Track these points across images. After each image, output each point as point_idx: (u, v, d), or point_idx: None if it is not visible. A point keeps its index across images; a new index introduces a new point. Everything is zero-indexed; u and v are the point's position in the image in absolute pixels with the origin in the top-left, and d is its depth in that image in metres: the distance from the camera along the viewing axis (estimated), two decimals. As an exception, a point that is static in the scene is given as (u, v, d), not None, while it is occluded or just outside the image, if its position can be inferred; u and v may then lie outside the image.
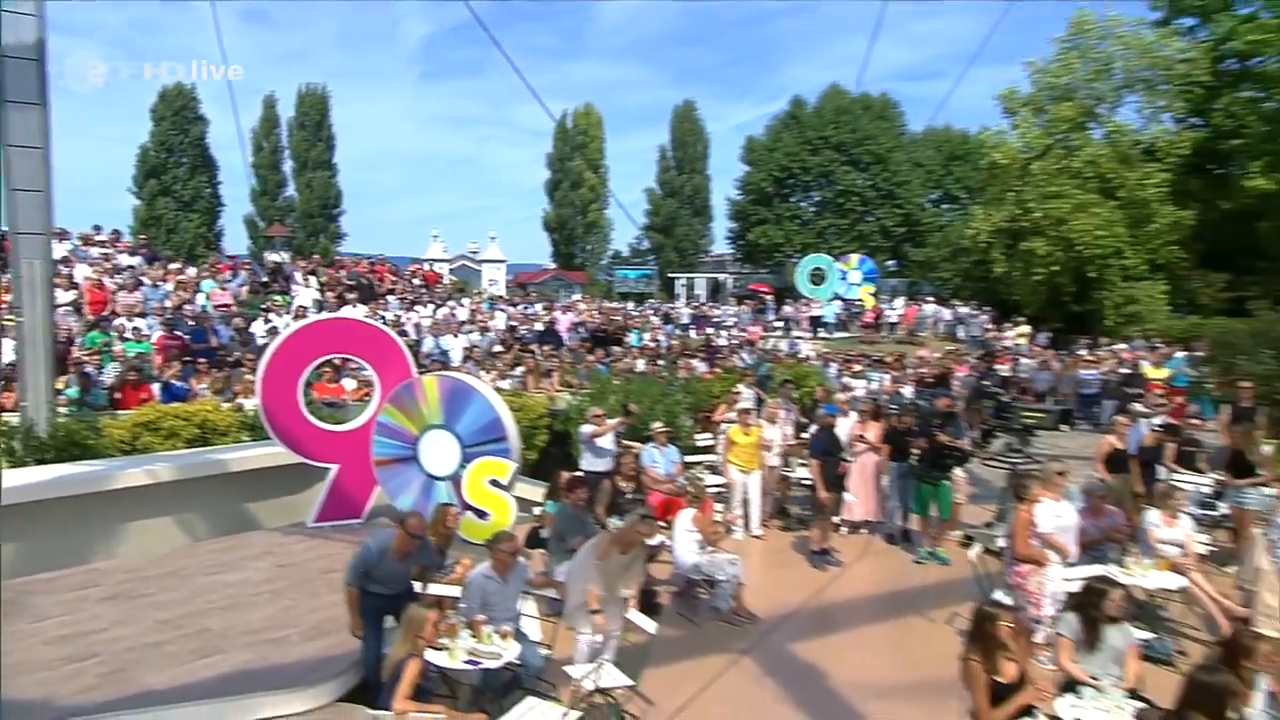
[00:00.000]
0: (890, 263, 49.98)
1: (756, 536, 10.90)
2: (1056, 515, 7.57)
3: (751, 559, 10.43)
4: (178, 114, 43.72)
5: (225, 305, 17.22)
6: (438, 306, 20.76)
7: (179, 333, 14.64)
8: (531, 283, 46.06)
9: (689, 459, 11.89)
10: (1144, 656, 6.64)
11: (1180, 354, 20.06)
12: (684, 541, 8.26)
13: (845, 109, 49.87)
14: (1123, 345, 23.53)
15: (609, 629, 6.49)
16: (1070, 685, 5.64)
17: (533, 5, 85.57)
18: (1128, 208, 29.88)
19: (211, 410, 11.20)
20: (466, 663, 5.75)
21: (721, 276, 53.75)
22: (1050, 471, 7.78)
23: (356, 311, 16.82)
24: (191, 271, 19.69)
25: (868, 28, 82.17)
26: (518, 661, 6.02)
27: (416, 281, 24.13)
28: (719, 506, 9.95)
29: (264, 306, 17.55)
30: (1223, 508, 10.32)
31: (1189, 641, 7.86)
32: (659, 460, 10.56)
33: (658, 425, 10.99)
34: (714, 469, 11.82)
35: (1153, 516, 8.43)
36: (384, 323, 14.17)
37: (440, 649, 5.73)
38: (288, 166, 47.25)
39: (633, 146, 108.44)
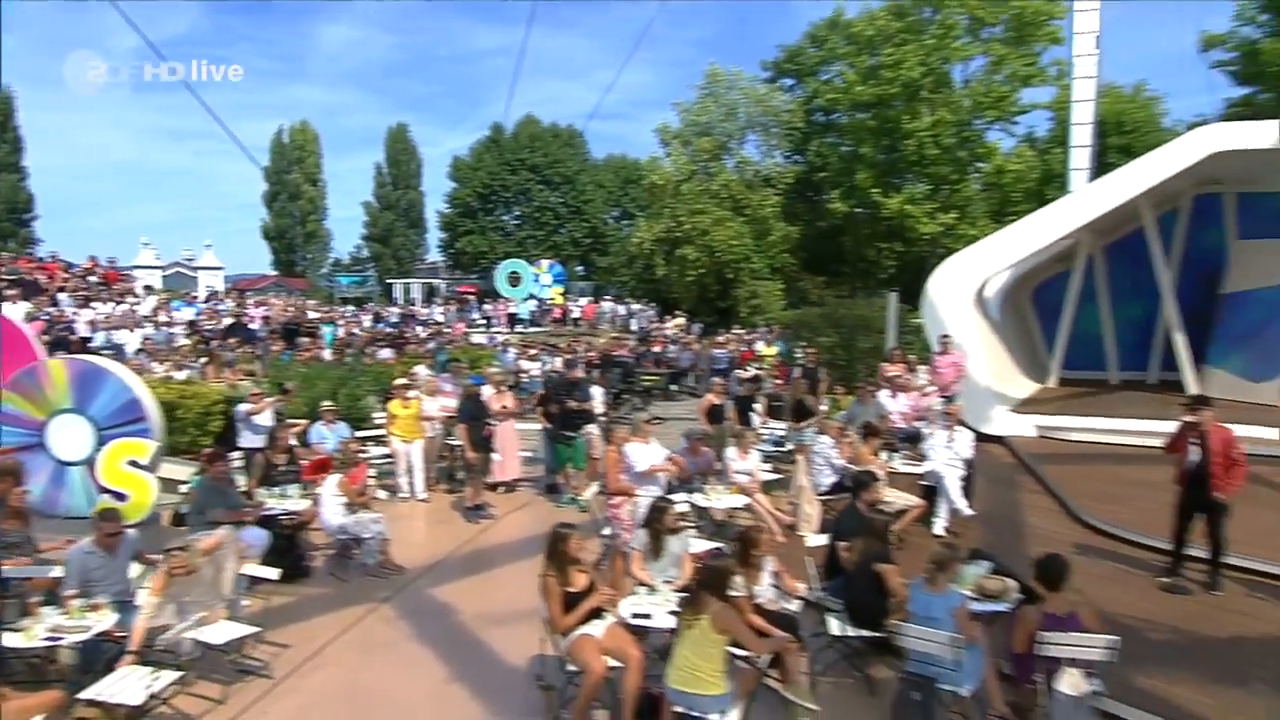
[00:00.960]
0: (579, 268, 51.85)
1: (422, 500, 10.76)
2: (647, 455, 8.29)
3: (415, 520, 10.25)
4: None
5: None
6: (117, 304, 18.56)
7: None
8: (251, 289, 42.71)
9: (378, 434, 11.65)
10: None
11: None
12: (330, 505, 8.01)
13: (538, 136, 50.95)
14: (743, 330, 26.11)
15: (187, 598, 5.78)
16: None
17: (252, 27, 78.68)
18: (753, 223, 32.87)
19: None
20: (46, 639, 5.07)
21: (435, 281, 52.91)
22: (639, 420, 8.47)
23: (16, 308, 14.63)
24: None
25: (565, 70, 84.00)
26: (121, 632, 5.37)
27: (93, 279, 21.22)
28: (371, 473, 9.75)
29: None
30: (790, 445, 11.73)
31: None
32: (327, 436, 10.22)
33: (326, 404, 10.66)
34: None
35: (730, 452, 9.39)
36: (49, 318, 12.46)
37: (16, 630, 5.05)
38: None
39: (354, 165, 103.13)
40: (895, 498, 8.17)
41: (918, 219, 28.78)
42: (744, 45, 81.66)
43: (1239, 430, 11.23)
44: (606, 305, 36.09)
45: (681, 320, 30.62)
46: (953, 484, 8.67)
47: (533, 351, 19.14)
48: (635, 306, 35.69)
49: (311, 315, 22.64)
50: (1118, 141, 27.66)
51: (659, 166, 33.99)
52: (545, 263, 38.60)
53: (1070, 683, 4.80)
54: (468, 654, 6.36)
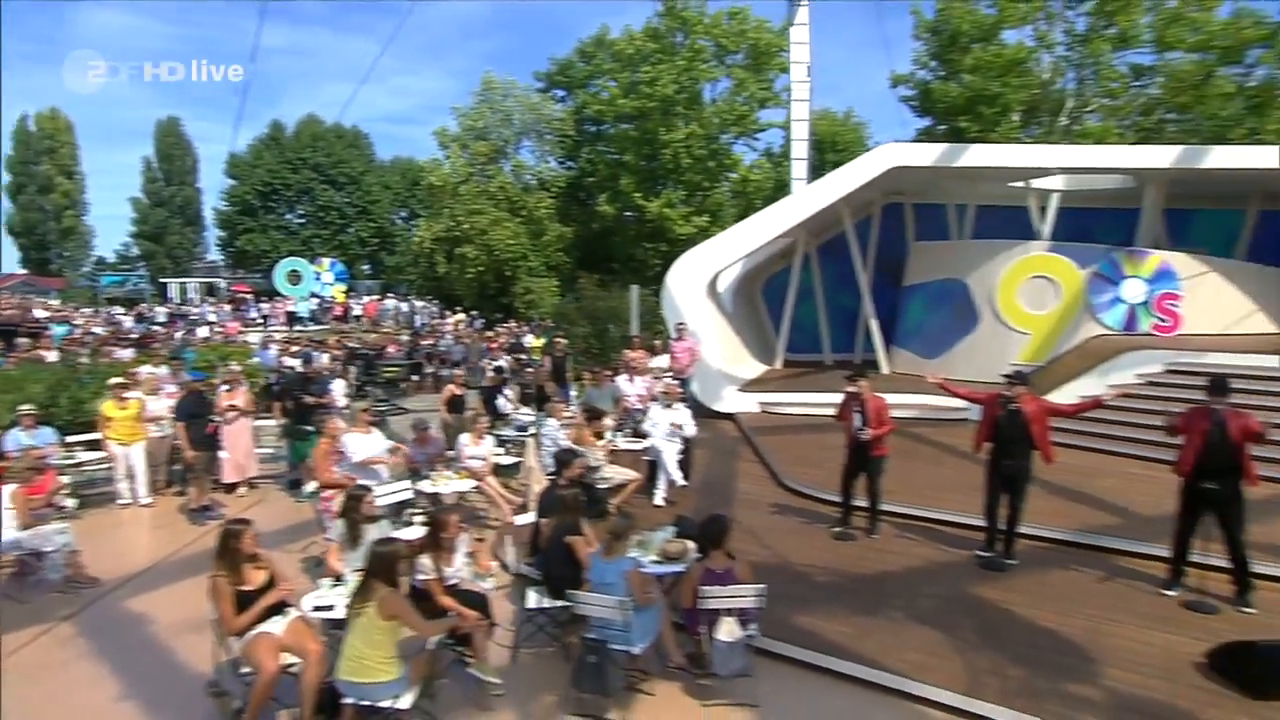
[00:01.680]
0: (366, 267, 49.06)
1: (146, 505, 9.44)
2: (365, 445, 7.72)
3: (131, 527, 8.92)
4: None
5: None
6: None
7: None
8: (-7, 288, 36.45)
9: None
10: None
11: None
12: (4, 518, 6.79)
13: (321, 135, 47.58)
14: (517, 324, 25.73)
15: None
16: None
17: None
18: (529, 224, 32.49)
19: None
20: None
21: (216, 280, 47.93)
22: (357, 410, 7.88)
23: None
24: None
25: (356, 74, 79.01)
26: None
27: None
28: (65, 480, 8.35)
29: None
30: (533, 430, 11.51)
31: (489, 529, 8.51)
32: (25, 441, 8.69)
33: (24, 408, 9.05)
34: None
35: (464, 438, 9.01)
36: None
37: None
38: None
39: (125, 160, 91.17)
40: (614, 473, 8.18)
41: (675, 221, 29.69)
42: (530, 58, 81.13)
43: (916, 399, 12.68)
44: (390, 303, 34.41)
45: (462, 316, 29.74)
46: (670, 458, 8.82)
47: (295, 349, 17.58)
48: (419, 303, 34.33)
49: (39, 314, 19.46)
50: (834, 158, 30.12)
51: (438, 168, 32.64)
52: (326, 261, 36.13)
53: (727, 630, 4.90)
54: (148, 667, 5.53)
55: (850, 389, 7.62)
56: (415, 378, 18.05)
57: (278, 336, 21.36)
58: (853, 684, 5.14)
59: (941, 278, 15.44)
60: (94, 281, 46.77)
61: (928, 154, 14.29)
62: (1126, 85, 26.85)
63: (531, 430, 11.27)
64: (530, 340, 21.50)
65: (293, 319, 31.27)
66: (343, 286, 35.66)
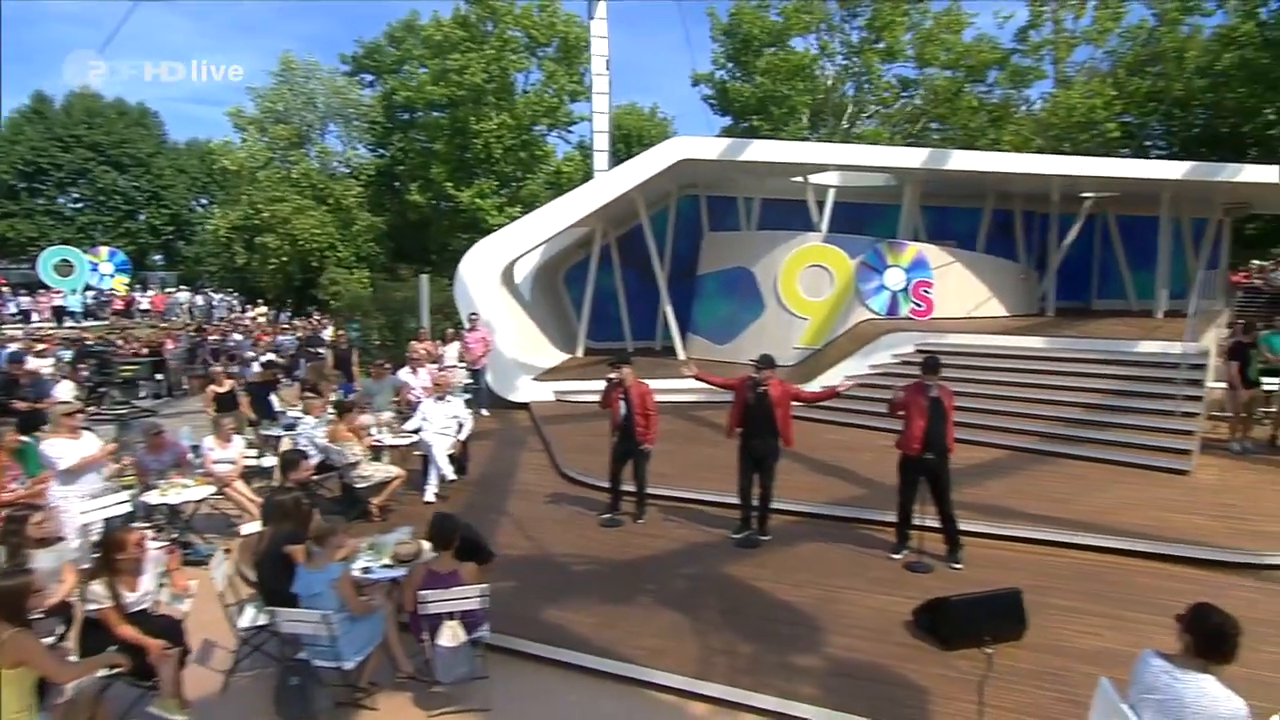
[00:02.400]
0: (158, 257, 43.88)
1: None
2: (73, 450, 6.57)
3: None
4: None
5: None
6: None
7: None
8: None
9: None
10: (186, 560, 6.10)
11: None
12: None
13: (97, 111, 41.75)
14: (319, 316, 23.88)
15: None
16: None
17: None
18: (337, 212, 30.40)
19: None
20: None
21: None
22: (58, 414, 6.70)
23: None
24: None
25: (160, 50, 70.12)
26: None
27: None
28: None
29: None
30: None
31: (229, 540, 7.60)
32: None
33: None
34: None
35: (208, 441, 7.97)
36: None
37: None
38: None
39: None
40: (374, 470, 7.51)
41: (489, 212, 28.80)
42: (347, 41, 75.88)
43: (701, 384, 12.85)
44: (182, 295, 30.94)
45: (264, 309, 27.31)
46: (440, 452, 8.26)
47: (41, 347, 15.13)
48: (218, 297, 31.15)
49: None
50: (640, 152, 30.36)
51: (230, 151, 29.66)
52: (105, 250, 31.74)
53: (450, 634, 4.48)
54: None
55: (612, 375, 7.42)
56: (159, 376, 15.88)
57: (20, 335, 18.40)
58: (588, 675, 4.89)
59: (730, 267, 15.84)
60: None
61: (713, 148, 14.53)
62: (896, 95, 29.13)
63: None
64: (328, 334, 19.98)
65: (60, 314, 27.28)
66: (125, 278, 31.55)
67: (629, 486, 7.67)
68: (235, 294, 31.10)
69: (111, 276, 31.10)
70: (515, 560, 6.59)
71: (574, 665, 4.96)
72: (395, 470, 7.70)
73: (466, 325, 12.86)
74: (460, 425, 8.68)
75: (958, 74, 26.76)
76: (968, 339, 12.16)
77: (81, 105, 41.87)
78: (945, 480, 6.37)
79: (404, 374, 10.92)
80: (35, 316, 27.12)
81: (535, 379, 13.69)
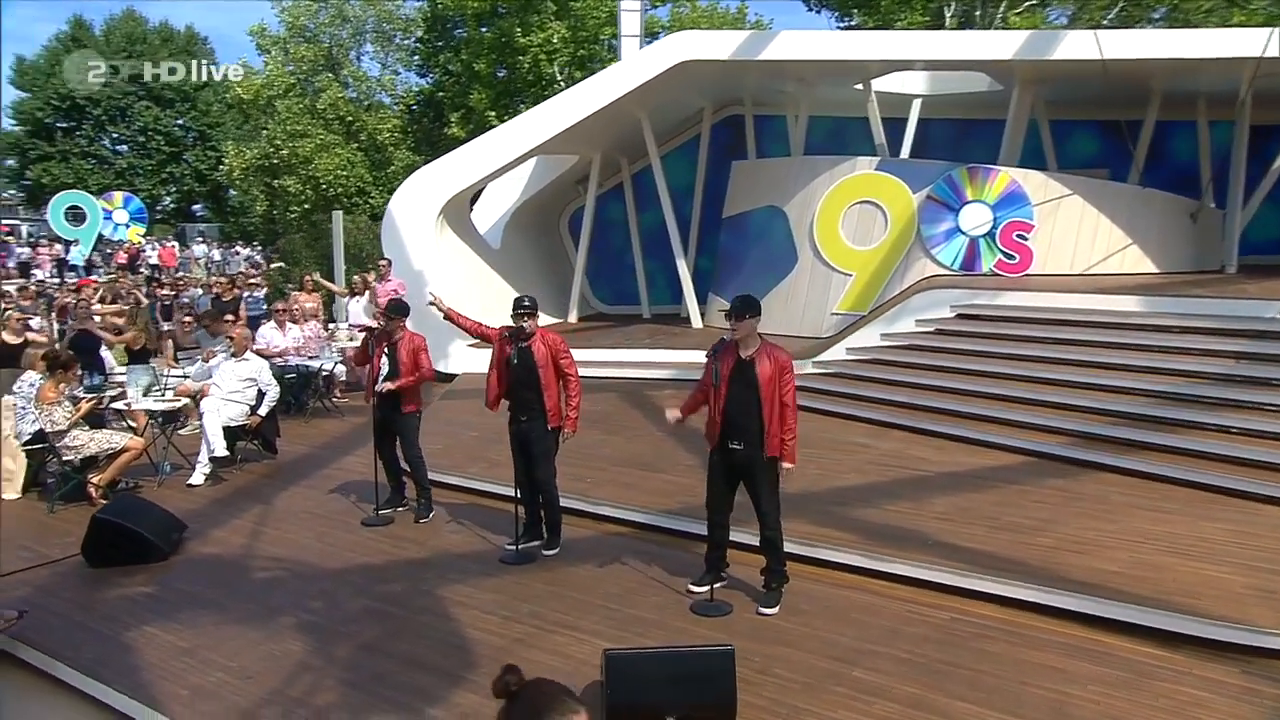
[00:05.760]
0: (197, 208, 47.74)
1: None
2: None
3: None
4: None
5: None
6: None
7: None
8: None
9: None
10: None
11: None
12: None
13: (140, 38, 45.97)
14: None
15: None
16: None
17: None
18: (369, 151, 31.48)
19: None
20: None
21: (15, 222, 46.62)
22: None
23: None
24: None
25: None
26: None
27: None
28: None
29: None
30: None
31: None
32: None
33: None
34: None
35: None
36: None
37: None
38: None
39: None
40: (90, 438, 7.47)
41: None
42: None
43: (671, 356, 12.22)
44: (198, 249, 33.43)
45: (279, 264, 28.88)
46: (213, 424, 8.13)
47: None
48: (245, 251, 33.38)
49: None
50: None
51: (249, 77, 31.42)
52: (119, 195, 34.67)
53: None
54: None
55: (372, 325, 7.02)
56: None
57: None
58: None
59: (759, 206, 14.79)
60: None
61: (726, 44, 13.58)
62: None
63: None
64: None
65: (63, 267, 30.21)
66: (140, 228, 34.42)
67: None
68: (260, 247, 33.10)
69: (127, 226, 33.92)
70: (195, 562, 6.38)
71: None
72: (124, 438, 7.65)
73: (379, 274, 12.81)
74: (261, 394, 8.57)
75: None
76: (1022, 298, 10.63)
77: (123, 31, 46.25)
78: (764, 484, 5.43)
79: (267, 330, 11.00)
80: (37, 273, 29.94)
81: (472, 344, 13.41)
